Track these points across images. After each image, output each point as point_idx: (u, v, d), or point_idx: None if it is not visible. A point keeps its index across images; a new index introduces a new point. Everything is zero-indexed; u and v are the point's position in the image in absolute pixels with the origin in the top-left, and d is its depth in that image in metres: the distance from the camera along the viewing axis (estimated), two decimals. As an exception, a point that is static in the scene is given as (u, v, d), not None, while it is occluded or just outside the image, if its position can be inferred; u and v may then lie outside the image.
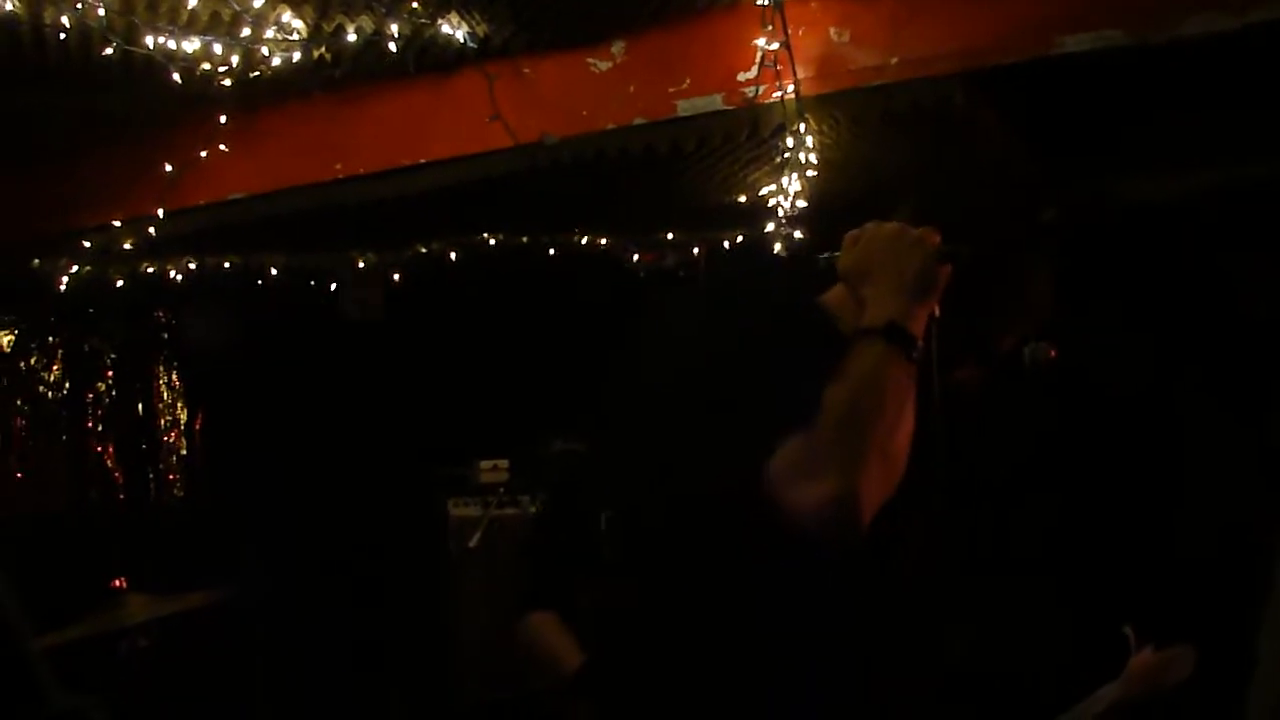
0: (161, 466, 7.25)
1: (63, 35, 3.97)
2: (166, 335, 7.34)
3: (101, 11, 3.82)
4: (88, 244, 5.44)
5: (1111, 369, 5.29)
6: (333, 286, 6.40)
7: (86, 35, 3.99)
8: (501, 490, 5.79)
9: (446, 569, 5.86)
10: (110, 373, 7.12)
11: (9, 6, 3.74)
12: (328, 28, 4.21)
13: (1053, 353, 2.08)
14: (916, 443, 1.91)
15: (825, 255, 2.02)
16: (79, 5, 3.77)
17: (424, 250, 6.10)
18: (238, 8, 3.93)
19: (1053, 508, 5.21)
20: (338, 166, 4.86)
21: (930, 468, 2.00)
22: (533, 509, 5.53)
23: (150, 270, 6.06)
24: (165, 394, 7.36)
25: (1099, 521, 4.96)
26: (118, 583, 5.59)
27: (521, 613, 3.76)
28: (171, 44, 4.05)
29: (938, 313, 1.94)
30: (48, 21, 3.91)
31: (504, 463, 6.00)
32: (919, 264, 1.90)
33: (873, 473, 1.78)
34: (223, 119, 4.66)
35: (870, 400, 1.80)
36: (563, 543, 3.81)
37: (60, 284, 5.82)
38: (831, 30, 4.20)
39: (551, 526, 3.99)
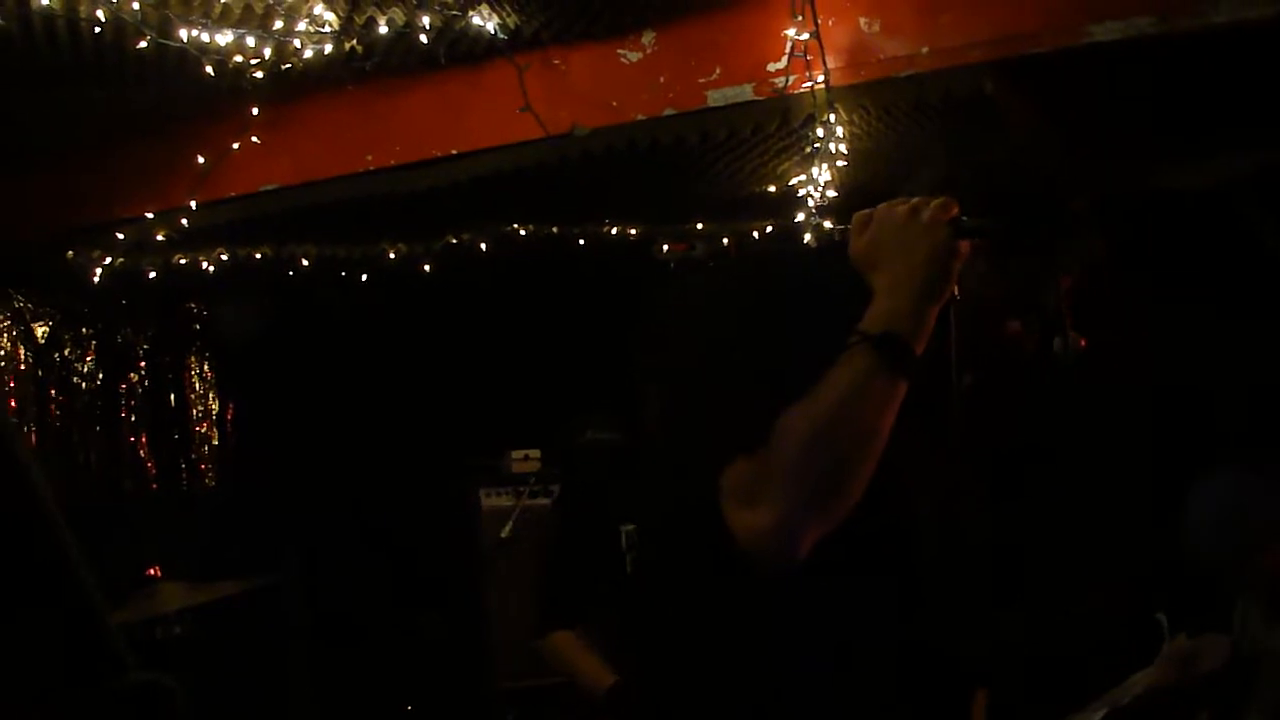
0: (194, 456, 7.29)
1: (98, 29, 4.00)
2: (199, 326, 7.38)
3: (136, 5, 3.84)
4: (121, 236, 5.47)
5: (1146, 359, 5.27)
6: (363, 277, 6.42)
7: (121, 29, 4.01)
8: (533, 480, 5.79)
9: (478, 559, 5.87)
10: (143, 363, 7.16)
11: (46, 1, 3.77)
12: (359, 20, 4.23)
13: (1083, 343, 2.03)
14: (934, 429, 1.85)
15: (840, 227, 1.92)
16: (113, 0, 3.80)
17: (455, 241, 6.11)
18: (270, 1, 3.96)
19: (1084, 496, 5.20)
20: (369, 158, 4.88)
21: (948, 452, 1.97)
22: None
23: (183, 262, 6.09)
24: (198, 384, 7.40)
25: (1131, 509, 4.95)
26: (152, 571, 5.63)
27: (541, 630, 3.72)
28: (205, 37, 4.08)
29: (958, 293, 1.82)
30: (83, 15, 3.94)
31: (536, 452, 6.00)
32: (931, 251, 1.77)
33: (818, 505, 1.69)
34: (255, 111, 4.68)
35: (835, 427, 1.70)
36: (582, 554, 3.76)
37: (94, 276, 5.85)
38: (862, 20, 4.20)
39: (571, 535, 3.92)
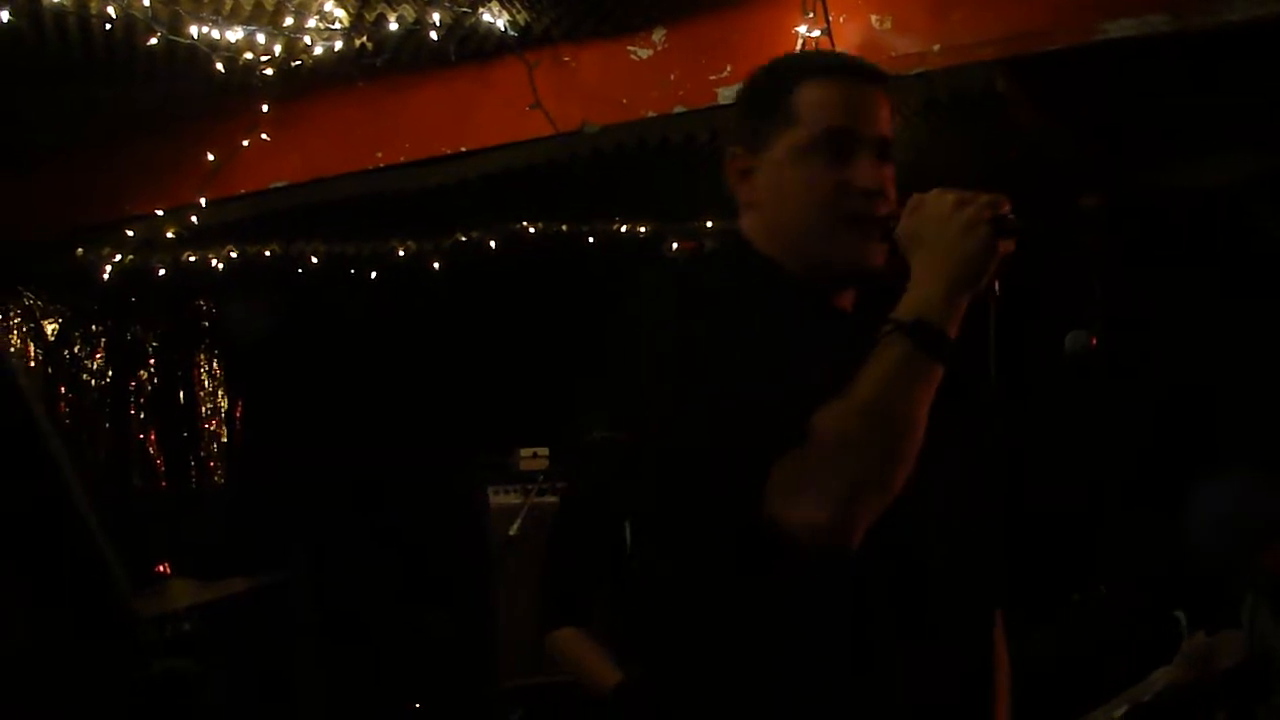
0: (203, 454, 7.30)
1: (108, 26, 4.01)
2: (208, 323, 7.39)
3: (147, 2, 3.86)
4: (130, 233, 5.48)
5: (1158, 356, 5.26)
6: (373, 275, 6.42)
7: (131, 26, 4.02)
8: (542, 478, 5.78)
9: (486, 557, 5.87)
10: (152, 361, 7.17)
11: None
12: (369, 17, 4.23)
13: (1094, 340, 2.03)
14: (968, 423, 1.87)
15: (889, 216, 1.90)
16: (124, -5, 3.81)
17: (464, 238, 6.11)
18: (280, -3, 3.96)
19: (1099, 492, 5.19)
20: (379, 155, 4.88)
21: (979, 447, 1.97)
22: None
23: (192, 259, 6.10)
24: (206, 381, 7.40)
25: (1144, 506, 4.94)
26: (161, 568, 5.64)
27: (546, 627, 3.70)
28: (215, 34, 4.09)
29: (998, 289, 1.85)
30: (94, 12, 3.95)
31: (544, 450, 5.99)
32: (970, 245, 1.79)
33: (871, 493, 1.72)
34: (264, 108, 4.69)
35: (881, 416, 1.73)
36: (587, 551, 3.73)
37: (103, 273, 5.87)
38: (873, 17, 4.19)
39: (575, 531, 3.90)
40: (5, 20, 3.88)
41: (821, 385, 1.75)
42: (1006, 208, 1.81)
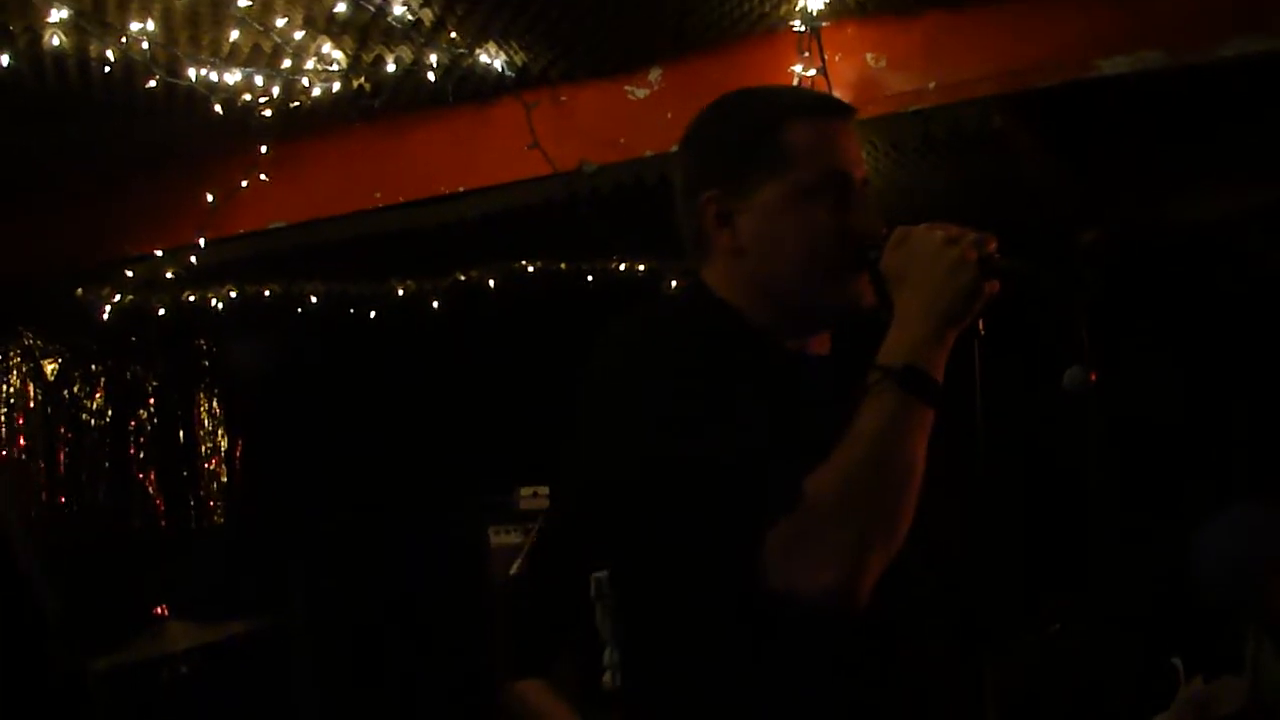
0: (203, 493, 7.29)
1: (107, 68, 4.02)
2: (208, 363, 7.39)
3: (145, 45, 3.87)
4: (130, 273, 5.49)
5: (1154, 393, 5.26)
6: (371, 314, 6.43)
7: (130, 68, 4.03)
8: (542, 517, 5.76)
9: (486, 596, 5.85)
10: (152, 400, 7.16)
11: (56, 41, 3.79)
12: (367, 58, 4.25)
13: (1092, 376, 2.01)
14: (955, 460, 1.84)
15: (872, 248, 1.85)
16: (124, 39, 3.82)
17: (463, 277, 6.12)
18: (278, 40, 3.98)
19: (1094, 534, 5.17)
20: (377, 195, 4.89)
21: (969, 486, 1.96)
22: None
23: (192, 299, 6.11)
24: (206, 421, 7.40)
25: (1141, 548, 4.92)
26: (159, 610, 5.62)
27: (508, 676, 3.61)
28: (213, 76, 4.10)
29: (982, 329, 1.82)
30: (93, 55, 3.97)
31: (545, 489, 5.98)
32: (958, 284, 1.74)
33: (879, 546, 1.67)
34: (263, 149, 4.70)
35: (882, 468, 1.68)
36: (552, 599, 3.65)
37: (103, 313, 5.87)
38: (868, 56, 4.20)
39: (537, 578, 3.83)
40: (5, 63, 3.90)
41: (808, 442, 1.71)
42: (993, 245, 1.78)
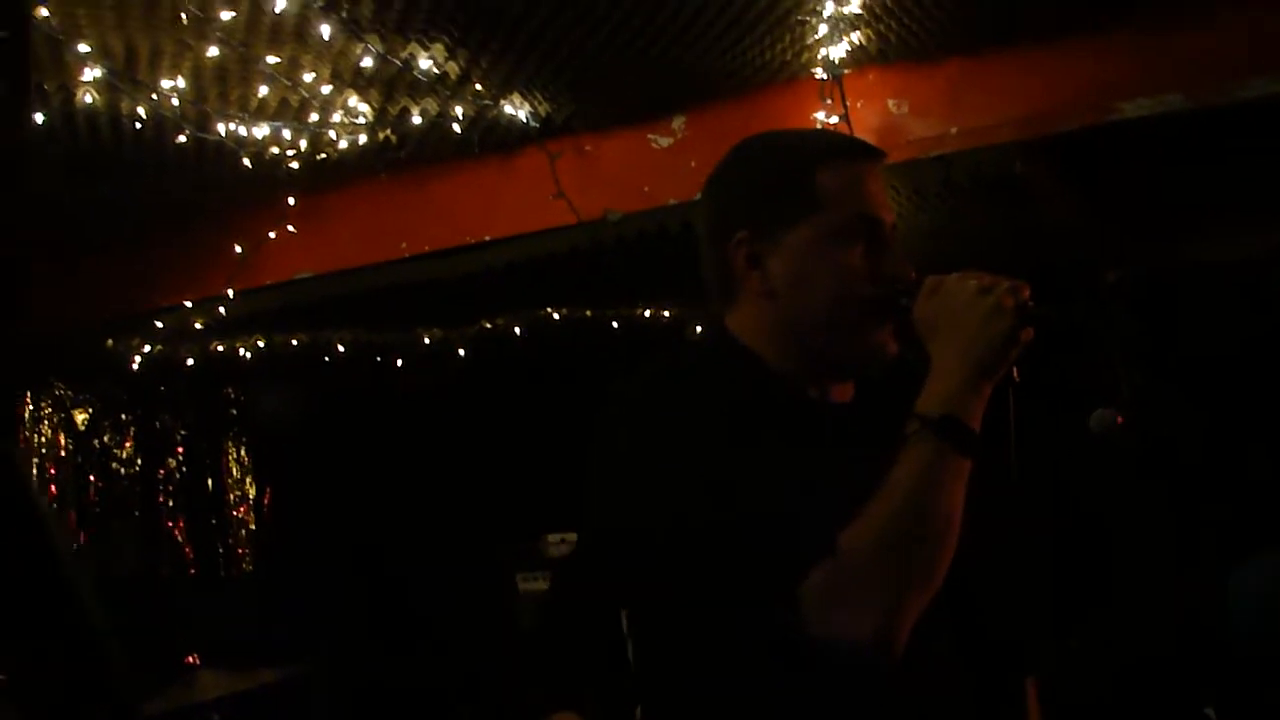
0: (231, 541, 7.32)
1: (139, 125, 4.08)
2: (235, 412, 7.44)
3: (175, 101, 3.93)
4: (160, 324, 5.54)
5: (1180, 433, 5.24)
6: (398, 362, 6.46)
7: (161, 124, 4.09)
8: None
9: (514, 643, 5.84)
10: (181, 449, 7.21)
11: (89, 99, 3.85)
12: (393, 111, 4.30)
13: (1119, 419, 2.00)
14: (991, 506, 1.83)
15: (904, 294, 1.84)
16: (155, 96, 3.88)
17: (489, 326, 6.16)
18: (306, 94, 4.03)
19: (1125, 578, 5.15)
20: (403, 245, 4.93)
21: (1007, 533, 1.95)
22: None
23: (220, 349, 6.15)
24: (235, 470, 7.44)
25: (1171, 593, 4.90)
26: (191, 659, 5.64)
27: (541, 710, 3.60)
28: (242, 130, 4.16)
29: (1017, 376, 1.79)
30: (125, 112, 4.03)
31: (572, 536, 5.98)
32: (994, 334, 1.73)
33: (916, 595, 1.67)
34: (291, 201, 4.75)
35: (920, 518, 1.68)
36: (584, 634, 3.65)
37: (133, 363, 5.92)
38: (890, 102, 4.23)
39: (565, 615, 3.82)
40: (40, 121, 3.96)
41: (833, 491, 1.70)
42: (1027, 293, 1.76)
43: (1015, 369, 1.80)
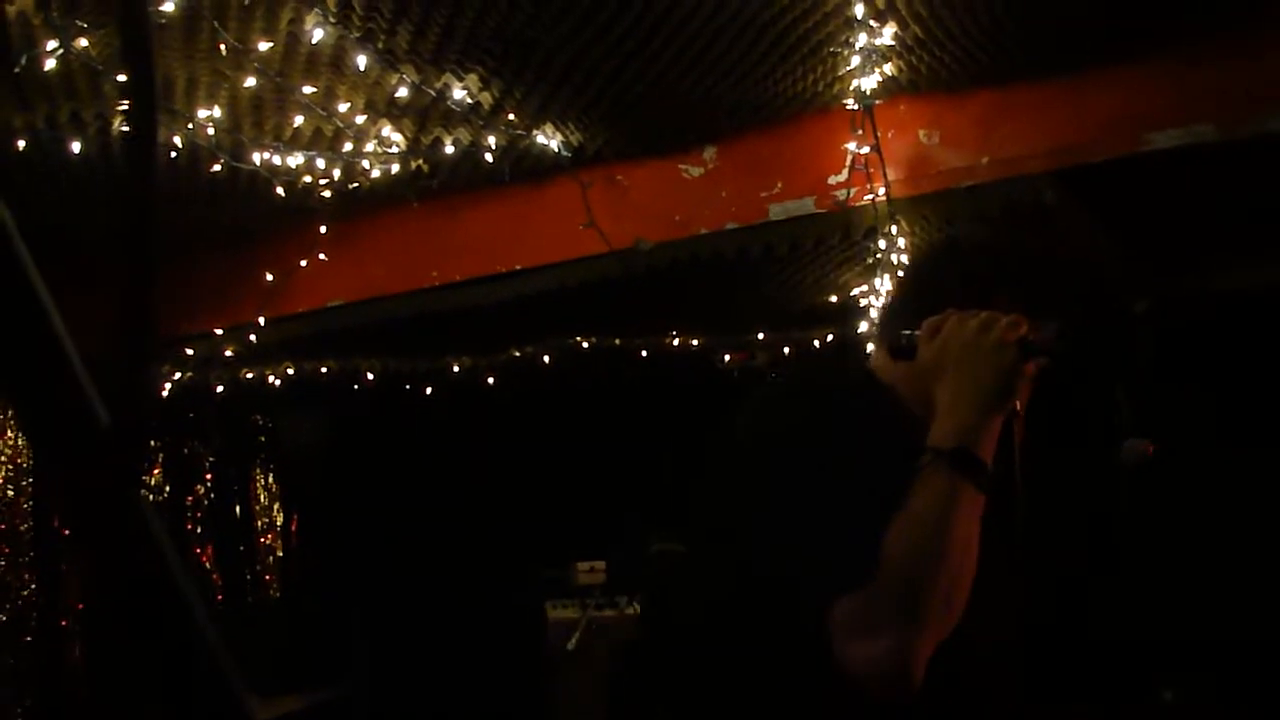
0: (259, 568, 7.33)
1: (174, 154, 4.12)
2: (264, 439, 7.47)
3: (211, 130, 3.96)
4: (190, 351, 5.56)
5: (1210, 461, 5.21)
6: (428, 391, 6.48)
7: (196, 154, 4.13)
8: (599, 592, 5.77)
9: (545, 671, 5.84)
10: (209, 476, 7.23)
11: (126, 128, 3.88)
12: (426, 140, 4.32)
13: (1150, 449, 1.99)
14: (1000, 541, 1.84)
15: (906, 333, 1.87)
16: (190, 125, 3.91)
17: (518, 354, 6.18)
18: (340, 124, 4.06)
19: (1151, 608, 5.12)
20: (434, 274, 4.95)
21: (1011, 565, 1.95)
22: (629, 610, 5.45)
23: (249, 376, 6.18)
24: (263, 496, 7.46)
25: (1200, 624, 4.87)
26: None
27: None
28: (276, 159, 4.19)
29: (1020, 409, 1.84)
30: (161, 141, 4.06)
31: (601, 564, 5.98)
32: (999, 369, 1.76)
33: (932, 627, 1.69)
34: (323, 229, 4.78)
35: (936, 548, 1.70)
36: (650, 662, 3.68)
37: (162, 390, 5.95)
38: (921, 132, 4.25)
39: (641, 642, 3.85)
40: (77, 150, 4.00)
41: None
42: (1025, 327, 1.78)
43: (1019, 403, 1.83)
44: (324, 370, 6.23)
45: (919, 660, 1.68)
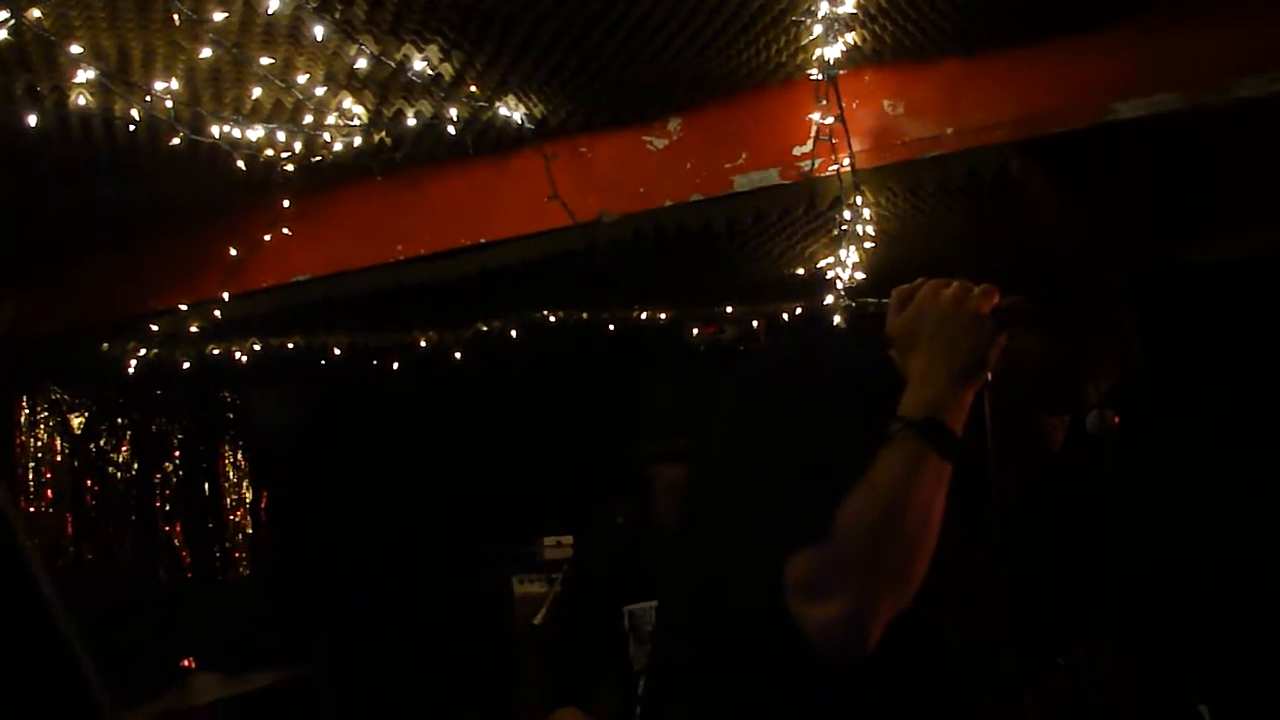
0: (228, 545, 7.32)
1: (132, 127, 4.07)
2: (232, 416, 7.43)
3: (169, 103, 3.91)
4: (155, 327, 5.53)
5: (1178, 433, 5.23)
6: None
7: (154, 126, 4.08)
8: (566, 567, 5.75)
9: (511, 646, 5.84)
10: (177, 453, 7.21)
11: (82, 101, 3.84)
12: (388, 113, 4.28)
13: (1116, 419, 1.98)
14: (970, 516, 1.84)
15: (873, 301, 1.92)
16: (148, 98, 3.86)
17: (485, 328, 6.15)
18: (300, 96, 4.02)
19: (1119, 580, 5.13)
20: (399, 248, 4.92)
21: (984, 541, 1.94)
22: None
23: (216, 352, 6.15)
24: (231, 473, 7.44)
25: (1166, 594, 4.89)
26: (186, 662, 5.61)
27: (547, 706, 3.63)
28: (236, 133, 4.14)
29: (990, 378, 1.80)
30: (119, 114, 4.02)
31: (568, 539, 5.97)
32: (972, 340, 1.77)
33: (888, 593, 1.68)
34: (286, 203, 4.73)
35: (896, 514, 1.69)
36: (587, 632, 3.67)
37: (129, 367, 5.92)
38: (885, 102, 4.23)
39: (576, 612, 3.84)
40: (33, 123, 3.95)
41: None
42: (997, 298, 1.79)
43: (989, 373, 1.81)
44: (290, 346, 6.19)
45: (873, 625, 1.67)
